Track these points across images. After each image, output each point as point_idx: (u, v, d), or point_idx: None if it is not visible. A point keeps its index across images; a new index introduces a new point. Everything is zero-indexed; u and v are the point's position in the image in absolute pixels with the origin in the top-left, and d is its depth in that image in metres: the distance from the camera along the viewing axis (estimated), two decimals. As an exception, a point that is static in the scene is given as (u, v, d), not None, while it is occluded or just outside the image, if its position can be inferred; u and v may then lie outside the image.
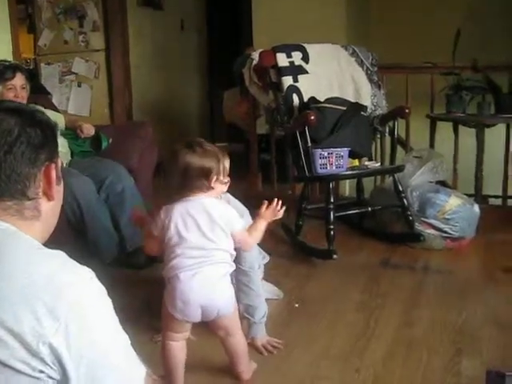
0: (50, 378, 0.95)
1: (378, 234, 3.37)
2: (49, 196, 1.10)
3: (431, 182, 3.35)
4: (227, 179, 2.08)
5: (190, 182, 1.85)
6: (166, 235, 1.86)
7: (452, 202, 3.15)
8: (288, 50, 3.38)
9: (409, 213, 3.12)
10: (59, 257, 1.04)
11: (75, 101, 5.34)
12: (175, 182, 1.87)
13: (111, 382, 0.99)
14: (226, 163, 2.08)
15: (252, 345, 2.17)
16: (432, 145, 3.77)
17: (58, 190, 1.14)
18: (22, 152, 1.05)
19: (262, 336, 2.21)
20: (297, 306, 2.56)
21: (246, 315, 2.22)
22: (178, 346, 1.90)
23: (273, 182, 4.21)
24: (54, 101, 5.20)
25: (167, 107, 5.75)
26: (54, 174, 1.09)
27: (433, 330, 2.28)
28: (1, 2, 3.94)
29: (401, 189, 3.12)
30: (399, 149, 3.55)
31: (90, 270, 1.04)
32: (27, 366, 0.93)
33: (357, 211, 3.27)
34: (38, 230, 1.11)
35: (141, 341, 2.03)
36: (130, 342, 1.07)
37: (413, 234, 3.14)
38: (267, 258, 2.64)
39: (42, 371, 0.94)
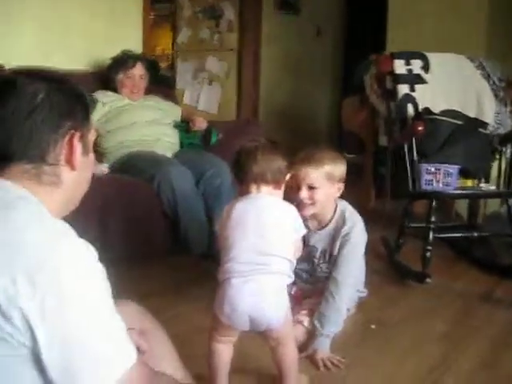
0: (21, 343, 0.92)
1: (485, 264, 3.07)
2: (71, 165, 1.10)
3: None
4: (340, 185, 2.14)
5: (267, 173, 1.77)
6: (226, 234, 1.79)
7: None
8: (407, 56, 3.18)
9: (521, 243, 2.82)
10: (61, 228, 1.01)
11: (205, 98, 5.47)
12: (253, 172, 1.79)
13: (87, 365, 0.94)
14: (337, 170, 2.07)
15: (311, 357, 2.05)
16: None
17: (84, 162, 1.14)
18: (43, 117, 1.06)
19: (324, 351, 2.07)
20: (373, 327, 2.37)
21: (315, 323, 2.11)
22: (224, 349, 1.81)
23: (386, 197, 4.00)
24: (187, 96, 5.41)
25: (295, 112, 5.71)
26: (78, 142, 1.10)
27: (517, 377, 2.01)
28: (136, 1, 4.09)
29: (514, 216, 2.82)
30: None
31: (94, 250, 1.01)
32: None
33: (460, 235, 3.01)
34: (58, 198, 1.11)
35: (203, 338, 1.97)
36: (123, 328, 1.02)
37: (523, 268, 2.83)
38: (365, 293, 2.51)
39: (10, 334, 0.91)
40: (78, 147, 1.10)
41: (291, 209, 1.84)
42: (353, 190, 4.06)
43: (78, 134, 1.10)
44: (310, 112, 5.96)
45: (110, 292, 1.01)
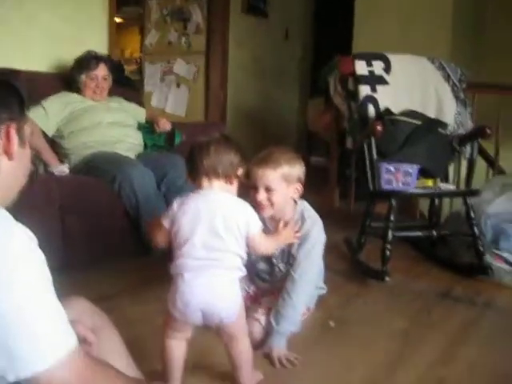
0: None
1: (445, 263, 3.11)
2: (9, 154, 1.13)
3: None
4: (298, 185, 2.12)
5: (219, 167, 1.76)
6: (177, 229, 1.78)
7: (531, 237, 2.84)
8: (369, 58, 3.21)
9: (479, 242, 2.85)
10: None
11: (173, 101, 5.45)
12: (204, 164, 1.78)
13: (24, 345, 0.96)
14: (294, 171, 2.08)
15: (267, 355, 2.05)
16: (524, 175, 3.45)
17: (22, 153, 1.17)
18: None
19: (280, 348, 2.07)
20: (332, 325, 2.38)
21: (271, 320, 2.12)
22: (177, 345, 1.80)
23: (350, 198, 4.03)
24: (154, 98, 5.38)
25: (263, 114, 5.71)
26: (14, 133, 1.13)
27: (471, 373, 2.00)
28: (101, 3, 4.07)
29: (472, 215, 2.86)
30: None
31: (32, 235, 1.05)
32: None
33: (419, 234, 3.03)
34: None
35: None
36: (63, 314, 1.04)
37: (480, 266, 2.86)
38: (325, 290, 2.52)
39: None
40: (14, 138, 1.13)
41: (244, 205, 1.83)
42: (319, 192, 4.12)
43: (14, 126, 1.13)
44: (278, 115, 5.96)
45: (50, 279, 1.04)
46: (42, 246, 1.07)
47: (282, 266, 2.28)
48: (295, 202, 2.23)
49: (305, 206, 2.24)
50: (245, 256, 1.80)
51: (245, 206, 1.83)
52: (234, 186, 1.83)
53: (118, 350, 1.52)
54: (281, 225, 2.00)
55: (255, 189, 2.10)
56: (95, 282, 2.67)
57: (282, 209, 2.17)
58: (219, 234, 1.73)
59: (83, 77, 3.44)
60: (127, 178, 2.94)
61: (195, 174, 1.80)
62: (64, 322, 1.04)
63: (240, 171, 1.82)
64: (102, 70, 3.46)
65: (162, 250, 2.89)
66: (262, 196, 2.09)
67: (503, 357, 2.13)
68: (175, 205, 1.81)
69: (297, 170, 2.13)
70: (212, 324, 1.76)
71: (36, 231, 1.07)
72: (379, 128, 2.74)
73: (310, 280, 2.22)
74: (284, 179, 2.09)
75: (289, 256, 2.24)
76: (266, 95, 5.77)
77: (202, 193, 1.79)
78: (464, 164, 3.21)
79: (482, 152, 3.48)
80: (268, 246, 1.91)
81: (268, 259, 2.30)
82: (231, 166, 1.78)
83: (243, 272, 1.79)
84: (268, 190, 2.09)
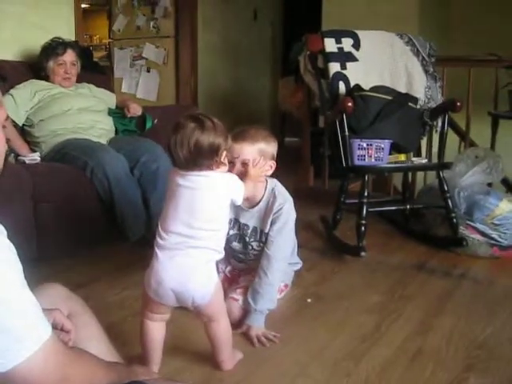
0: None
1: (420, 236, 3.14)
2: None
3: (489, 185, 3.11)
4: (271, 163, 2.12)
5: (198, 159, 1.72)
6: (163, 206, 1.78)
7: (503, 207, 2.86)
8: (338, 35, 3.21)
9: (453, 215, 2.88)
10: None
11: (144, 85, 5.41)
12: (182, 158, 1.74)
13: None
14: (269, 148, 2.11)
15: (246, 334, 2.06)
16: (493, 145, 3.47)
17: None
18: None
19: (258, 327, 2.08)
20: (309, 301, 2.40)
21: (249, 299, 2.13)
22: (155, 327, 1.80)
23: (324, 177, 4.03)
24: (125, 84, 5.32)
25: (235, 96, 5.69)
26: None
27: (448, 342, 2.03)
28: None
29: (446, 188, 2.88)
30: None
31: (2, 227, 1.01)
32: None
33: (393, 208, 3.06)
34: None
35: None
36: (35, 304, 1.02)
37: (455, 239, 2.88)
38: (300, 265, 2.53)
39: None
40: None
41: (227, 178, 1.81)
42: (294, 172, 4.13)
43: None
44: (250, 96, 5.95)
45: (21, 270, 1.01)
46: (15, 236, 1.04)
47: (255, 244, 2.28)
48: (266, 180, 2.23)
49: (275, 183, 2.25)
50: (226, 229, 1.81)
51: (228, 179, 1.81)
52: (222, 169, 1.79)
53: (97, 335, 1.52)
54: (250, 164, 2.03)
55: (231, 164, 2.09)
56: (71, 270, 2.65)
57: (255, 186, 2.17)
58: (202, 211, 1.71)
59: (51, 63, 3.38)
60: (99, 164, 2.91)
61: (178, 167, 1.76)
62: (37, 313, 1.02)
63: (224, 155, 1.77)
64: (69, 56, 3.41)
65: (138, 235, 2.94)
66: (238, 171, 2.08)
67: (479, 326, 2.16)
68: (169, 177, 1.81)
69: (271, 146, 2.15)
70: (186, 305, 1.76)
71: (8, 221, 1.05)
72: (349, 104, 2.74)
73: (284, 256, 2.24)
74: (260, 155, 2.10)
75: (261, 234, 2.25)
76: (236, 77, 5.75)
77: (190, 173, 1.75)
78: (436, 138, 3.22)
79: (453, 125, 3.52)
80: (246, 190, 1.93)
81: (241, 238, 2.30)
82: (212, 153, 1.70)
83: (221, 254, 1.78)
84: (244, 165, 2.09)
